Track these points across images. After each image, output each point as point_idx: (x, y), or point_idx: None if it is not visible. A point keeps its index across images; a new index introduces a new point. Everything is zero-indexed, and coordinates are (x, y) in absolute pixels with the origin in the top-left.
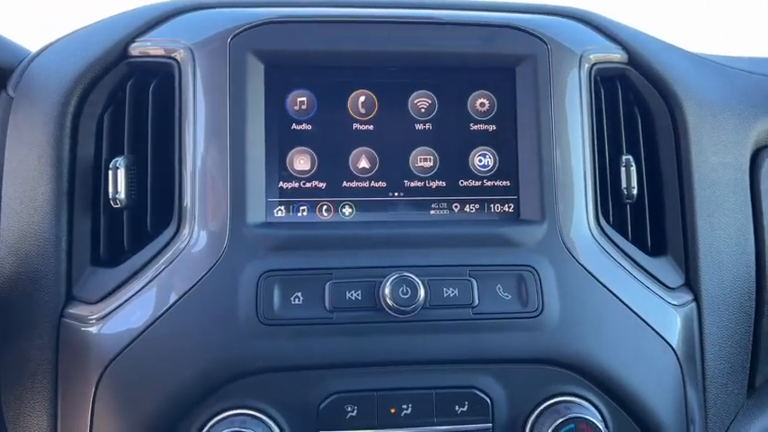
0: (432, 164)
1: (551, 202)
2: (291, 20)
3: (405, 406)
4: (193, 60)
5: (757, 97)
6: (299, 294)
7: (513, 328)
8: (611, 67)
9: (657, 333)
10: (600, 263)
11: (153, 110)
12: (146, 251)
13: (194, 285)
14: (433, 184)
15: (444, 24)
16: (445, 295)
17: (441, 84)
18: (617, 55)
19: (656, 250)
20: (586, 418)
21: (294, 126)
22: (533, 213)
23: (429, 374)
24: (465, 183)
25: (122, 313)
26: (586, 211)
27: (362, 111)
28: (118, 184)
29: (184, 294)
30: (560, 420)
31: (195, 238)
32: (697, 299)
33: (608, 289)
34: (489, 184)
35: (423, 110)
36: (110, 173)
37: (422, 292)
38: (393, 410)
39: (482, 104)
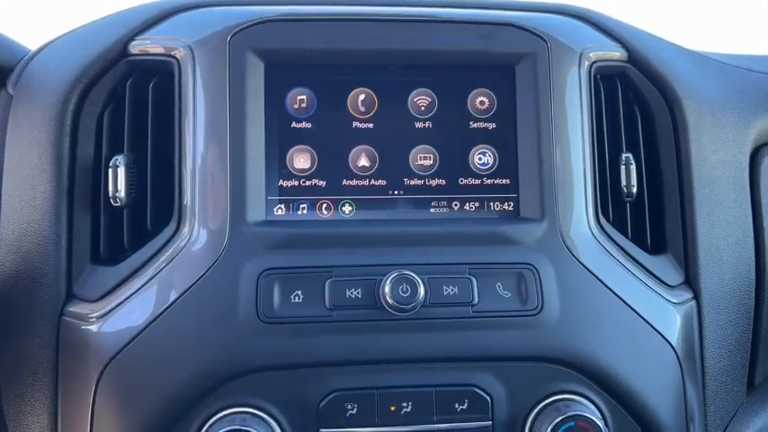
0: (431, 162)
1: (551, 201)
2: (291, 18)
3: (405, 404)
4: (193, 59)
5: (757, 95)
6: (299, 292)
7: (512, 327)
8: (611, 65)
9: (657, 331)
10: (600, 261)
11: (153, 108)
12: (146, 249)
13: (194, 283)
14: (433, 183)
15: (444, 22)
16: (445, 293)
17: (440, 82)
18: (617, 53)
19: (655, 248)
20: (586, 416)
21: (294, 124)
22: (533, 211)
23: (429, 372)
24: (465, 181)
25: (122, 311)
26: (586, 209)
27: (362, 109)
28: (118, 182)
29: (184, 292)
30: (560, 418)
31: (195, 236)
32: (697, 297)
33: (608, 287)
34: (489, 182)
35: (423, 108)
36: (110, 171)
37: (422, 291)
38: (393, 408)
39: (482, 103)
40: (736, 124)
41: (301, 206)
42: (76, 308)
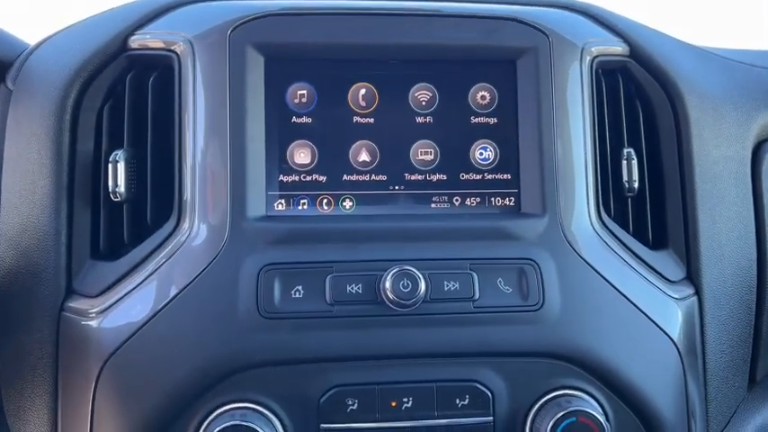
0: (432, 157)
1: (552, 196)
2: (292, 12)
3: (405, 399)
4: (193, 53)
5: (759, 90)
6: (300, 288)
7: (513, 322)
8: (613, 60)
9: (658, 326)
10: (601, 256)
11: (153, 103)
12: (146, 245)
13: (194, 279)
14: (434, 178)
15: (445, 16)
16: (446, 289)
17: (441, 76)
18: (618, 48)
19: (657, 243)
20: (587, 412)
21: (294, 119)
22: (534, 207)
23: (430, 368)
24: (466, 176)
25: (122, 307)
26: (587, 204)
27: (363, 104)
28: (118, 177)
29: (185, 288)
30: (561, 413)
31: (195, 231)
32: (698, 292)
33: (609, 282)
34: (490, 177)
35: (423, 103)
36: (109, 166)
37: (422, 286)
38: (394, 404)
39: (483, 97)
40: (738, 119)
41: (302, 201)
42: (76, 303)
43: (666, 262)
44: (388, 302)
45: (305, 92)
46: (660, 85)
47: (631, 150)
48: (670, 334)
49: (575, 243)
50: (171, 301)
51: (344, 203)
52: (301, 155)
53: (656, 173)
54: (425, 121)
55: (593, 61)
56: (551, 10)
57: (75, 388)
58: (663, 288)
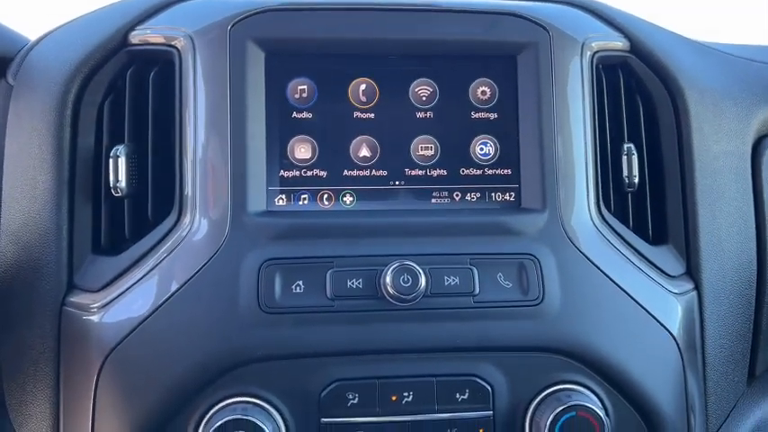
0: (433, 152)
1: (552, 191)
2: (292, 7)
3: (406, 394)
4: (193, 48)
5: (759, 86)
6: (301, 283)
7: (513, 317)
8: (613, 55)
9: (658, 321)
10: (601, 251)
11: (153, 98)
12: (147, 239)
13: (195, 274)
14: (434, 173)
15: (445, 12)
16: (446, 284)
17: (442, 72)
18: (619, 43)
19: (657, 239)
20: (587, 406)
21: (295, 114)
22: (534, 202)
23: (430, 362)
24: (466, 171)
25: (124, 302)
26: (588, 199)
27: (363, 99)
28: (119, 172)
29: (186, 283)
30: (561, 408)
31: (196, 226)
32: (698, 287)
33: (609, 277)
34: (490, 172)
35: (424, 98)
36: (110, 161)
37: (423, 281)
38: (394, 398)
39: (483, 93)
40: (738, 114)
41: (302, 196)
42: (78, 298)
43: (666, 257)
44: (388, 297)
45: (305, 87)
46: (660, 81)
47: (631, 145)
48: (670, 329)
49: (575, 238)
50: (172, 295)
51: (345, 199)
52: (302, 150)
53: (656, 168)
54: (426, 117)
55: (593, 56)
56: (552, 5)
57: (76, 382)
58: (662, 283)
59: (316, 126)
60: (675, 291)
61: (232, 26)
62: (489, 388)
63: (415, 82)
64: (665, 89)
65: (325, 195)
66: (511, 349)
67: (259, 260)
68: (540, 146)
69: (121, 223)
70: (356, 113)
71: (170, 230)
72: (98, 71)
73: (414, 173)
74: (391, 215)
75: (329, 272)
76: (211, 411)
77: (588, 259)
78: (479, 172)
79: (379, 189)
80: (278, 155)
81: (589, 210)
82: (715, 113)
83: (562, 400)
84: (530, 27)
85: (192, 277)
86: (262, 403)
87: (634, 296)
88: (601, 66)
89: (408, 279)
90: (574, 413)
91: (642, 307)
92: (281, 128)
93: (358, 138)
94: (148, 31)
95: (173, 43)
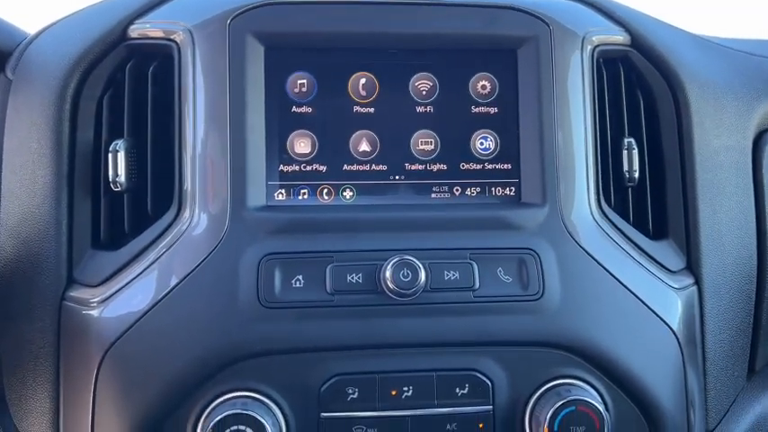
0: (433, 147)
1: (553, 185)
2: (291, 1)
3: (406, 388)
4: (193, 43)
5: (759, 80)
6: (300, 277)
7: (513, 311)
8: (614, 49)
9: (658, 316)
10: (601, 246)
11: (152, 92)
12: (146, 234)
13: (195, 268)
14: (434, 168)
15: (445, 5)
16: (446, 278)
17: (442, 66)
18: (620, 37)
19: (657, 233)
20: (587, 401)
21: (294, 109)
22: (534, 196)
23: (430, 357)
24: (466, 166)
25: (123, 296)
26: (588, 194)
27: (363, 93)
28: (118, 167)
29: (185, 277)
30: (561, 402)
31: (196, 221)
32: (698, 282)
33: (609, 272)
34: (490, 167)
35: (424, 92)
36: (110, 156)
37: (422, 275)
38: (394, 392)
39: (483, 87)
40: (739, 109)
41: (302, 191)
42: (77, 293)
43: (666, 252)
44: (388, 292)
45: (305, 81)
46: (661, 75)
47: (632, 140)
48: (669, 323)
49: (575, 233)
50: (172, 290)
51: (345, 193)
52: (301, 144)
53: (656, 162)
54: (426, 111)
55: (593, 50)
56: None
57: (76, 377)
58: (663, 278)
59: (315, 120)
60: (675, 285)
61: (231, 20)
62: (489, 382)
63: (414, 76)
64: (665, 83)
65: (325, 190)
66: (511, 344)
67: (259, 255)
68: (540, 140)
69: (121, 218)
70: (356, 108)
71: (169, 225)
72: (97, 65)
73: (414, 167)
74: (391, 210)
75: (329, 266)
76: (211, 406)
77: (588, 254)
78: (479, 166)
79: (378, 184)
80: (277, 149)
81: (589, 204)
82: (716, 108)
83: (562, 394)
84: (530, 21)
85: (191, 272)
86: (261, 398)
87: (634, 291)
88: (601, 60)
89: (408, 274)
90: (574, 408)
91: (642, 302)
92: (281, 122)
93: (358, 132)
94: (148, 25)
95: (172, 37)
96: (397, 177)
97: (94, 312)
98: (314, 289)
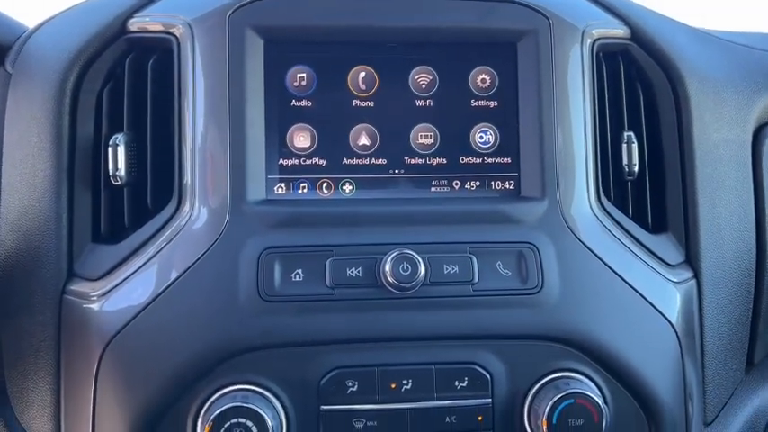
0: (432, 141)
1: (552, 179)
2: None
3: (405, 381)
4: (192, 36)
5: (760, 73)
6: (300, 271)
7: (512, 305)
8: (614, 43)
9: (657, 309)
10: (600, 240)
11: (152, 86)
12: (146, 228)
13: (195, 262)
14: (434, 161)
15: None
16: (445, 272)
17: (441, 59)
18: (620, 30)
19: (656, 227)
20: (585, 394)
21: (294, 102)
22: (534, 190)
23: (429, 350)
24: (466, 160)
25: (124, 290)
26: (587, 187)
27: (363, 87)
28: (118, 161)
29: (185, 271)
30: (560, 396)
31: (196, 215)
32: (697, 276)
33: (608, 266)
34: (490, 160)
35: (423, 86)
36: (109, 150)
37: (422, 269)
38: (393, 385)
39: (483, 81)
40: (739, 102)
41: (302, 185)
42: (78, 286)
43: (666, 245)
44: (387, 286)
45: (304, 75)
46: (661, 68)
47: (631, 134)
48: (668, 317)
49: (574, 227)
50: (172, 284)
51: (344, 187)
52: (301, 138)
53: (656, 156)
54: (425, 105)
55: (593, 44)
56: None
57: (77, 370)
58: (662, 271)
59: (315, 114)
60: (674, 279)
61: (231, 14)
62: (488, 376)
63: (414, 70)
64: (665, 77)
65: (325, 184)
66: (510, 337)
67: (258, 248)
68: (539, 134)
69: (121, 212)
70: (355, 101)
71: (169, 219)
72: (97, 59)
73: (413, 161)
74: (391, 204)
75: (329, 260)
76: (211, 399)
77: (587, 248)
78: (479, 160)
79: (378, 178)
80: (277, 143)
81: (589, 198)
82: (716, 102)
83: (561, 387)
84: (529, 14)
85: (191, 266)
86: (261, 391)
87: (633, 284)
88: (601, 53)
89: (408, 267)
90: (572, 401)
91: (641, 295)
92: (281, 116)
93: (357, 126)
94: (147, 19)
95: (171, 31)
96: (396, 171)
97: (95, 306)
98: (314, 283)
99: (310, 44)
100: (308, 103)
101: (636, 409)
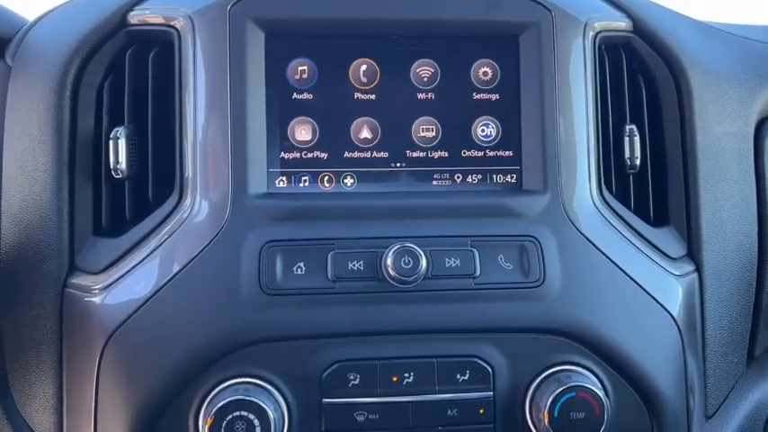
0: (434, 134)
1: (554, 173)
2: None
3: (407, 374)
4: (193, 29)
5: (763, 66)
6: (302, 264)
7: (514, 298)
8: (616, 36)
9: (659, 303)
10: (602, 233)
11: (153, 79)
12: (148, 221)
13: (197, 255)
14: (436, 155)
15: None
16: (447, 265)
17: (443, 52)
18: (622, 23)
19: (658, 220)
20: (587, 387)
21: (295, 95)
22: (536, 183)
23: (431, 343)
24: (467, 153)
25: (125, 283)
26: (589, 181)
27: (364, 80)
28: (119, 154)
29: (187, 264)
30: (561, 389)
31: (197, 208)
32: (699, 269)
33: (610, 259)
34: (492, 154)
35: (425, 79)
36: (110, 143)
37: (423, 263)
38: (395, 379)
39: (485, 73)
40: (742, 95)
41: (303, 178)
42: (79, 280)
43: (667, 239)
44: (389, 279)
45: (306, 68)
46: (663, 61)
47: (633, 127)
48: (670, 310)
49: (576, 220)
50: (173, 277)
51: (346, 180)
52: (302, 131)
53: (658, 149)
54: (427, 98)
55: (596, 37)
56: None
57: (79, 363)
58: (663, 265)
59: (316, 107)
60: (676, 272)
61: (232, 6)
62: (490, 369)
63: (416, 62)
64: (668, 70)
65: (326, 177)
66: (511, 330)
67: (260, 242)
68: (541, 127)
69: (122, 205)
70: (357, 94)
71: (171, 212)
72: (97, 52)
73: (415, 154)
74: (392, 197)
75: (330, 254)
76: (213, 392)
77: (589, 241)
78: (480, 153)
79: (379, 171)
80: (278, 136)
81: (590, 191)
82: (718, 94)
83: (562, 381)
84: (532, 7)
85: (193, 259)
86: (263, 384)
87: (635, 278)
88: (603, 46)
89: (409, 261)
90: (574, 394)
91: (643, 288)
92: (282, 109)
93: (359, 119)
94: (147, 12)
95: (172, 23)
96: (398, 164)
97: (96, 299)
98: (315, 276)
99: (311, 37)
100: (310, 96)
101: (637, 402)
